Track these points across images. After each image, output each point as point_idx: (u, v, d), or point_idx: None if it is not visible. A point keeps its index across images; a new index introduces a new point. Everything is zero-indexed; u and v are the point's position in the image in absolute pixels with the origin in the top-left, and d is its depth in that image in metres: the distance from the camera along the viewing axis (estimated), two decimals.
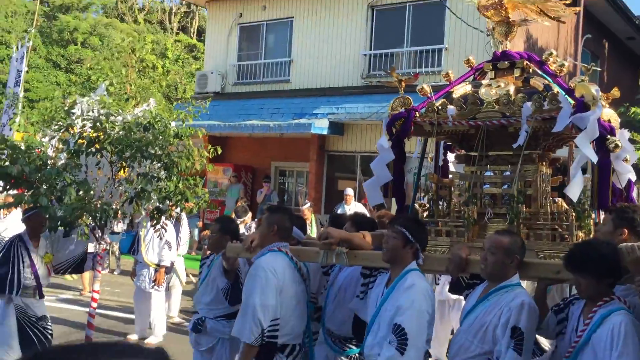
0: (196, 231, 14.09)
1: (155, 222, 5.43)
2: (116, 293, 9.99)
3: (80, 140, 5.07)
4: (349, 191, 11.63)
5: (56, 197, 4.79)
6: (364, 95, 13.67)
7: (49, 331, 5.48)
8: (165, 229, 5.73)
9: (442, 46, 12.99)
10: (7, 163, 4.75)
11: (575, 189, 3.33)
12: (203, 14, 30.07)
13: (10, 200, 4.84)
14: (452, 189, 4.05)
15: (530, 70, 3.93)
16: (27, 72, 27.13)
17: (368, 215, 6.14)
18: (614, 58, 16.91)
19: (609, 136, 3.38)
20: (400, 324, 3.06)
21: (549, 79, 3.77)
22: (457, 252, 3.31)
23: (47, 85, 27.59)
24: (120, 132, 5.12)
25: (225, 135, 15.25)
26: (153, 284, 7.63)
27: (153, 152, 5.19)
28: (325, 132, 13.77)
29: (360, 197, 13.44)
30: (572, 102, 3.32)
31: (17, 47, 10.49)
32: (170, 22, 33.81)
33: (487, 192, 3.70)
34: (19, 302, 5.33)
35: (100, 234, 5.29)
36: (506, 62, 3.89)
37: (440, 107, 3.70)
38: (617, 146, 3.37)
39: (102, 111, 5.16)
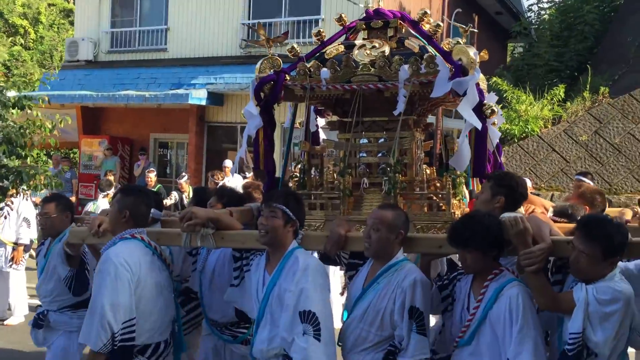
0: None
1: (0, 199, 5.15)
2: None
3: None
4: (227, 163, 11.59)
5: None
6: (243, 65, 13.55)
7: None
8: (10, 207, 5.46)
9: (319, 17, 13.11)
10: None
11: (462, 159, 3.25)
12: None
13: None
14: (324, 157, 3.87)
15: (403, 30, 3.76)
16: None
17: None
18: (484, 32, 17.84)
19: (485, 101, 3.31)
20: (311, 309, 2.82)
21: (423, 40, 3.61)
22: (335, 229, 3.07)
23: None
24: None
25: (99, 106, 14.62)
26: (11, 262, 7.30)
27: None
28: (204, 103, 13.56)
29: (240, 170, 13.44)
30: (449, 65, 3.17)
31: None
32: None
33: (363, 161, 3.54)
34: None
35: None
36: (379, 22, 3.66)
37: (312, 70, 3.43)
38: (493, 112, 3.30)
39: None
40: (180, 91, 13.50)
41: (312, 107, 4.03)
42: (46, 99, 5.53)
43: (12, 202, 6.05)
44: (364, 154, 3.56)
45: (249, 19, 13.94)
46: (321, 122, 4.21)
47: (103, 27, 15.36)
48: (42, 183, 5.21)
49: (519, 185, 3.15)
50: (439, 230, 3.26)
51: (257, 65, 3.59)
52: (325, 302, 2.91)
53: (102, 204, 7.95)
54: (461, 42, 3.36)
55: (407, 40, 3.60)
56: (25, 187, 5.43)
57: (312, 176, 3.73)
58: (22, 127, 5.03)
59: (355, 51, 3.49)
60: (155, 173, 11.45)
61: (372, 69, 3.35)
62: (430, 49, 3.50)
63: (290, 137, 3.93)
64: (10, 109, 4.99)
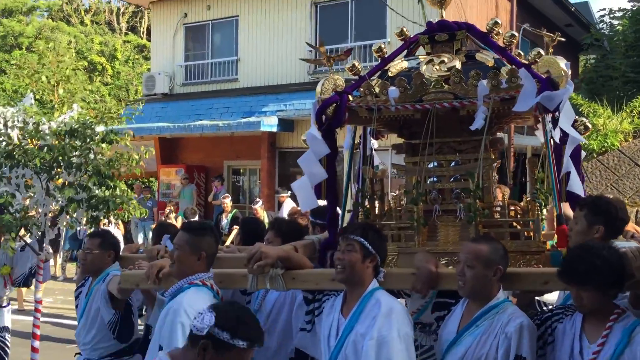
0: (150, 234, 14.09)
1: (91, 229, 5.48)
2: (60, 300, 9.92)
3: None
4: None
5: None
6: (311, 91, 13.76)
7: (7, 342, 5.56)
8: None
9: (386, 40, 13.24)
10: None
11: (578, 182, 2.94)
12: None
13: None
14: (383, 183, 3.64)
15: (468, 43, 3.46)
16: None
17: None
18: (554, 45, 17.46)
19: (576, 117, 3.06)
20: (391, 358, 2.52)
21: (494, 53, 3.32)
22: (424, 265, 2.77)
23: None
24: (44, 141, 5.06)
25: (176, 136, 15.24)
26: None
27: (77, 160, 5.15)
28: (275, 129, 13.89)
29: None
30: (535, 79, 2.90)
31: None
32: (118, 23, 33.28)
33: (434, 187, 3.26)
34: None
35: (38, 246, 5.33)
36: (444, 35, 3.38)
37: (379, 89, 3.13)
38: (587, 128, 3.07)
39: (28, 120, 5.17)
40: (252, 119, 13.90)
41: (368, 129, 3.71)
42: (131, 133, 5.83)
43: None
44: (435, 179, 3.29)
45: (315, 46, 14.23)
46: (374, 144, 3.88)
47: (177, 61, 16.06)
48: (129, 212, 5.47)
49: (618, 209, 2.87)
50: (528, 262, 2.95)
51: (318, 87, 3.29)
52: (410, 355, 2.59)
53: None
54: (542, 53, 3.08)
55: (479, 54, 3.37)
56: (114, 217, 5.74)
57: (377, 205, 3.46)
58: (111, 159, 5.33)
59: (423, 67, 3.24)
60: (230, 199, 11.82)
61: (446, 86, 3.08)
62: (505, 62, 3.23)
63: (351, 162, 3.60)
64: (100, 143, 5.29)
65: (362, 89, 3.19)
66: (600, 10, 16.89)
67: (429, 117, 3.11)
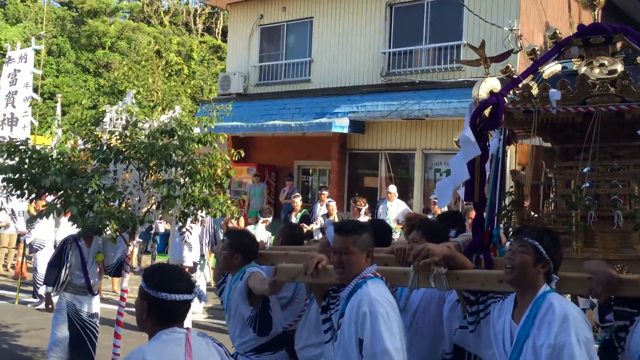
0: (220, 232, 14.47)
1: (181, 225, 5.72)
2: (136, 290, 10.33)
3: (107, 150, 5.35)
4: (392, 188, 11.77)
5: (86, 205, 5.07)
6: (383, 93, 13.81)
7: (97, 328, 5.94)
8: (190, 232, 6.03)
9: (461, 42, 13.05)
10: (37, 170, 5.05)
11: None
12: (227, 14, 30.46)
13: (42, 208, 5.16)
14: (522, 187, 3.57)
15: (618, 45, 3.42)
16: (57, 76, 27.87)
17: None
18: None
19: None
20: None
21: None
22: (604, 269, 2.71)
23: (76, 89, 28.28)
24: (146, 140, 5.33)
25: (248, 135, 15.56)
26: None
27: (176, 159, 5.40)
28: (346, 131, 13.96)
29: (381, 194, 13.62)
30: None
31: (17, 47, 10.46)
32: (195, 24, 34.30)
33: (588, 192, 3.20)
34: (70, 299, 5.80)
35: (128, 238, 5.61)
36: (601, 37, 3.31)
37: (539, 91, 3.09)
38: None
39: (130, 119, 5.46)
40: (323, 120, 14.01)
41: (503, 132, 3.63)
42: (226, 136, 6.02)
43: (192, 227, 6.64)
44: (588, 184, 3.21)
45: (389, 48, 14.20)
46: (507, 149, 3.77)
47: (252, 62, 16.40)
48: (220, 211, 5.67)
49: None
50: None
51: (475, 89, 3.27)
52: (593, 358, 2.50)
53: (260, 229, 8.47)
54: None
55: None
56: (204, 214, 5.95)
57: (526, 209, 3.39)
58: (208, 159, 5.55)
59: (582, 69, 3.17)
60: (300, 198, 11.96)
61: (612, 89, 3.00)
62: None
63: (499, 165, 3.47)
64: (196, 144, 5.51)
65: (519, 91, 3.15)
66: None
67: (593, 120, 3.02)
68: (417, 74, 13.69)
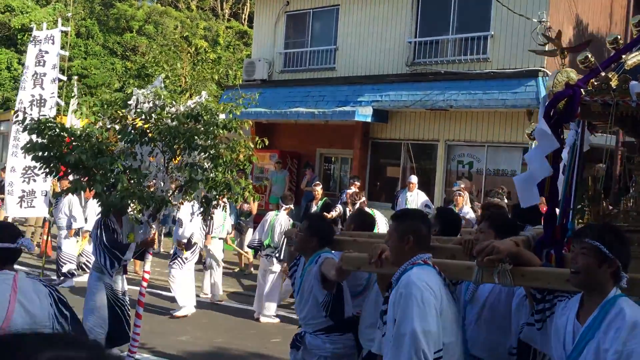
0: (232, 216, 14.61)
1: (204, 210, 5.80)
2: (157, 272, 10.52)
3: (133, 131, 5.43)
4: (413, 179, 11.75)
5: (110, 184, 5.18)
6: (408, 82, 13.73)
7: (127, 306, 6.08)
8: (212, 218, 6.16)
9: (488, 33, 12.90)
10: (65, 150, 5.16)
11: None
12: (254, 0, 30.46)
13: (68, 185, 5.27)
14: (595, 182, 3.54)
15: None
16: (85, 58, 28.20)
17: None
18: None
19: None
20: None
21: None
22: None
23: (104, 72, 28.58)
24: (172, 123, 5.42)
25: (272, 122, 15.62)
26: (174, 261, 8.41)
27: (201, 143, 5.48)
28: (369, 120, 13.93)
29: (402, 184, 13.59)
30: None
31: (42, 28, 10.49)
32: (222, 9, 34.37)
33: None
34: (108, 279, 5.90)
35: (151, 220, 5.70)
36: None
37: (618, 83, 2.99)
38: None
39: (157, 102, 5.53)
40: (346, 108, 13.99)
41: (581, 124, 3.49)
42: (250, 122, 6.05)
43: (214, 213, 6.73)
44: None
45: (415, 37, 14.10)
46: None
47: (277, 48, 16.41)
48: (242, 196, 5.73)
49: None
50: None
51: (550, 80, 3.17)
52: None
53: (282, 216, 8.54)
54: None
55: None
56: (227, 199, 6.03)
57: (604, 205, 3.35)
58: (232, 145, 5.60)
59: None
60: (321, 186, 11.97)
61: None
62: None
63: (572, 159, 3.37)
64: (221, 129, 5.56)
65: (596, 83, 3.06)
66: None
67: None
68: (443, 64, 13.58)
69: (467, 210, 10.21)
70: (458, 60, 13.37)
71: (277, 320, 8.31)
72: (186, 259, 8.36)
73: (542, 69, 12.02)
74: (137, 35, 30.55)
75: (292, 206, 8.86)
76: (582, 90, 3.05)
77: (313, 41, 15.98)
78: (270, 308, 8.29)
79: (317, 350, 4.03)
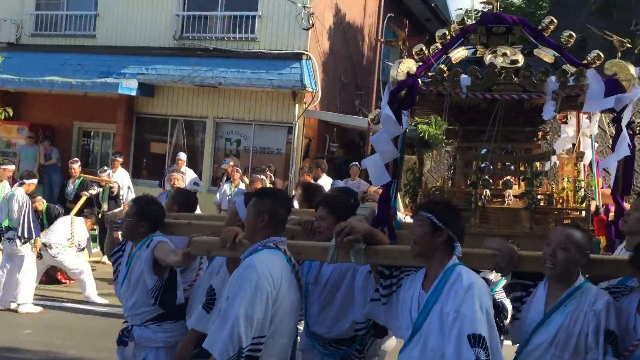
0: None
1: None
2: None
3: None
4: (182, 156, 11.05)
5: None
6: (176, 57, 13.34)
7: None
8: None
9: (257, 13, 13.09)
10: None
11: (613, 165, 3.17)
12: None
13: None
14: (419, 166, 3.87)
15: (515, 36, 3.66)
16: None
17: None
18: (415, 38, 18.34)
19: (633, 118, 3.18)
20: (480, 333, 2.58)
21: (546, 50, 3.50)
22: (507, 245, 2.90)
23: None
24: None
25: (20, 90, 13.96)
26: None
27: None
28: (134, 93, 13.26)
29: (171, 161, 13.23)
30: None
31: None
32: None
33: (486, 172, 3.43)
34: None
35: None
36: (502, 27, 3.56)
37: (451, 76, 3.23)
38: None
39: None
40: (109, 80, 13.13)
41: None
42: None
43: None
44: (484, 165, 3.44)
45: (183, 10, 13.71)
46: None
47: (27, 9, 14.65)
48: None
49: None
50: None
51: (394, 70, 3.30)
52: (492, 326, 2.66)
53: (19, 192, 7.67)
54: (602, 56, 3.31)
55: (538, 50, 3.51)
56: None
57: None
58: None
59: (487, 57, 3.36)
60: (79, 164, 11.00)
61: (515, 78, 3.20)
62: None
63: (402, 144, 3.54)
64: None
65: (433, 74, 3.27)
66: (458, 9, 17.95)
67: (498, 106, 3.30)
68: (212, 40, 13.43)
69: (242, 186, 10.22)
70: (227, 37, 13.34)
71: (39, 309, 7.51)
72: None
73: (306, 52, 12.60)
74: None
75: (34, 181, 8.03)
76: (419, 80, 3.27)
77: (70, 4, 14.59)
78: (28, 294, 7.47)
79: (147, 343, 3.75)
